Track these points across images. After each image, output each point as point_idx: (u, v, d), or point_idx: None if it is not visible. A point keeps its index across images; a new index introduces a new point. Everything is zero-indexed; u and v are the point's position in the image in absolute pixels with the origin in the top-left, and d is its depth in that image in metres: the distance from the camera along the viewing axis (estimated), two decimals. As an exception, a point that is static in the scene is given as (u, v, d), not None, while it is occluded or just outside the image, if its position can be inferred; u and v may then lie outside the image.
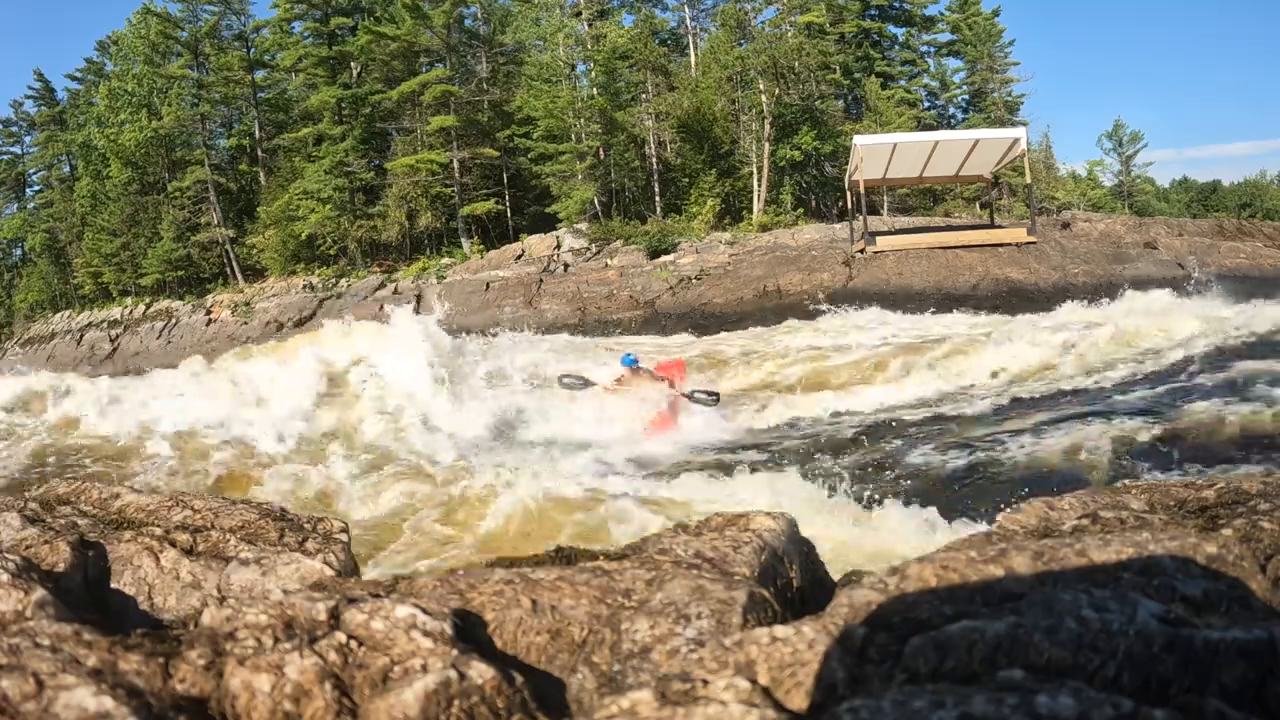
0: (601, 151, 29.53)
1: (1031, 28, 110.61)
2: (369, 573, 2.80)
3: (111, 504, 1.94)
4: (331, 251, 31.81)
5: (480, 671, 0.97)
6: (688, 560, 1.32)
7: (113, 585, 1.58)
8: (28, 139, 45.20)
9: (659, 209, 30.57)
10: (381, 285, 28.17)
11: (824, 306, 17.84)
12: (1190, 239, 21.52)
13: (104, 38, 42.44)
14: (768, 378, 10.83)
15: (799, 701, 0.83)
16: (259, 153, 35.80)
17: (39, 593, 1.25)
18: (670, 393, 8.36)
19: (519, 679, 0.99)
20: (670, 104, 30.79)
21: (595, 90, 29.84)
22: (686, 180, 30.74)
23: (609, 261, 25.26)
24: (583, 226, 28.16)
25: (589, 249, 26.76)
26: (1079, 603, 0.89)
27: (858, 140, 21.07)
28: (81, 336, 34.02)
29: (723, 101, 30.39)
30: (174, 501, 1.92)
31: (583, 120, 28.89)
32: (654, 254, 25.00)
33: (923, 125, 33.45)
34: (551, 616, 1.13)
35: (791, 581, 1.42)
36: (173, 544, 1.66)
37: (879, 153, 21.19)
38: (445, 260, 29.66)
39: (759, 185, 29.77)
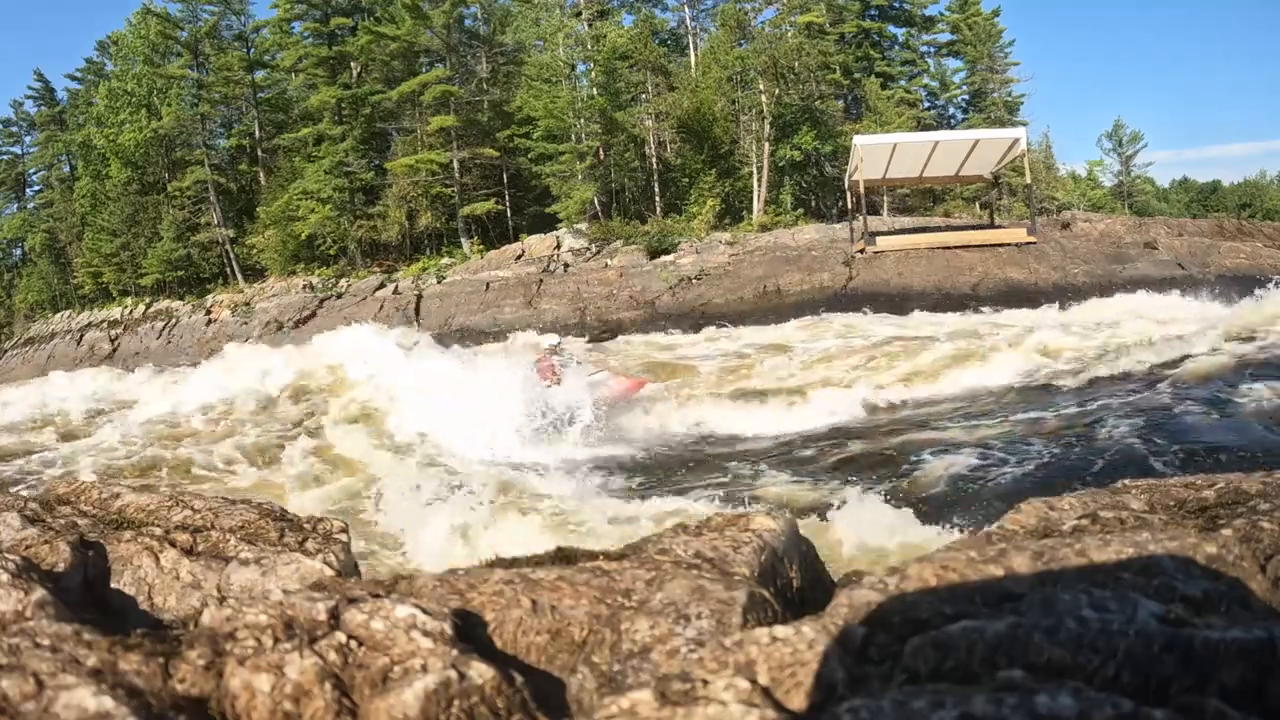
0: (601, 151, 29.48)
1: (1031, 28, 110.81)
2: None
3: (111, 504, 1.94)
4: (331, 251, 31.75)
5: (480, 671, 0.97)
6: (688, 560, 1.32)
7: (113, 585, 1.58)
8: (28, 139, 45.11)
9: (659, 209, 30.54)
10: (381, 285, 28.13)
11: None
12: (1190, 239, 21.51)
13: (104, 38, 42.35)
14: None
15: (799, 701, 0.83)
16: (259, 153, 35.73)
17: (39, 593, 1.25)
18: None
19: (519, 679, 0.99)
20: (670, 104, 30.74)
21: (595, 90, 29.79)
22: (686, 180, 30.71)
23: (609, 261, 25.23)
24: (583, 226, 28.12)
25: (589, 249, 26.73)
26: (1079, 603, 0.89)
27: (858, 140, 21.07)
28: (81, 336, 33.97)
29: (723, 101, 30.34)
30: (174, 501, 1.92)
31: (583, 120, 28.84)
32: (654, 254, 24.97)
33: (923, 125, 33.41)
34: (551, 616, 1.13)
35: (791, 581, 1.42)
36: (173, 544, 1.66)
37: (879, 153, 21.18)
38: (445, 260, 29.61)
39: (759, 185, 29.75)
